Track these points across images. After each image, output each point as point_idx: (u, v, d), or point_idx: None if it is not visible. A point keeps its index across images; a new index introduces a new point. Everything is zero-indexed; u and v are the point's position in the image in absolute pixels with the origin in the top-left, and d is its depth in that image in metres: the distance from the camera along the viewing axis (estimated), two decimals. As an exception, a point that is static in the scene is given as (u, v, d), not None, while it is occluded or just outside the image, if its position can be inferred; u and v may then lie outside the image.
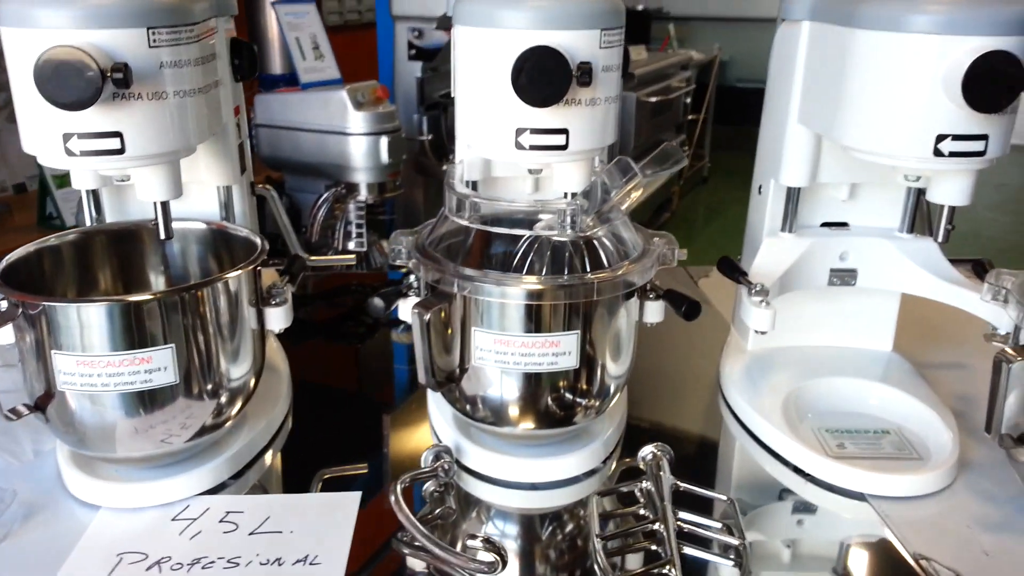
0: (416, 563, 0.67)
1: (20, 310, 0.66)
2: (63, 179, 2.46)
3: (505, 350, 0.71)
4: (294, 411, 0.90)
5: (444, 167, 2.76)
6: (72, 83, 0.59)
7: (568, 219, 0.72)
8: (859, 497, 0.76)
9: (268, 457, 0.82)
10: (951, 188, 0.72)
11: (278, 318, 0.77)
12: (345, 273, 1.50)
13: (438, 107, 2.62)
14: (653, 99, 3.49)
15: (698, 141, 4.81)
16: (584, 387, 0.75)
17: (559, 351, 0.71)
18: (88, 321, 0.65)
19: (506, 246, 0.80)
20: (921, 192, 0.86)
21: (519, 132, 0.68)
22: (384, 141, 2.13)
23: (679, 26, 5.13)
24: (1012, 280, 0.73)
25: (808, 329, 0.95)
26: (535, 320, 0.70)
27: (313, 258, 0.95)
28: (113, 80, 0.60)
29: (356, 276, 1.59)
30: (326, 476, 0.79)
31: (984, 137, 0.66)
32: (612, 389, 0.78)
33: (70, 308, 0.66)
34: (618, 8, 0.68)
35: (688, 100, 4.20)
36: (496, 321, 0.70)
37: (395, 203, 2.52)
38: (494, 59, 0.66)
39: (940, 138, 0.66)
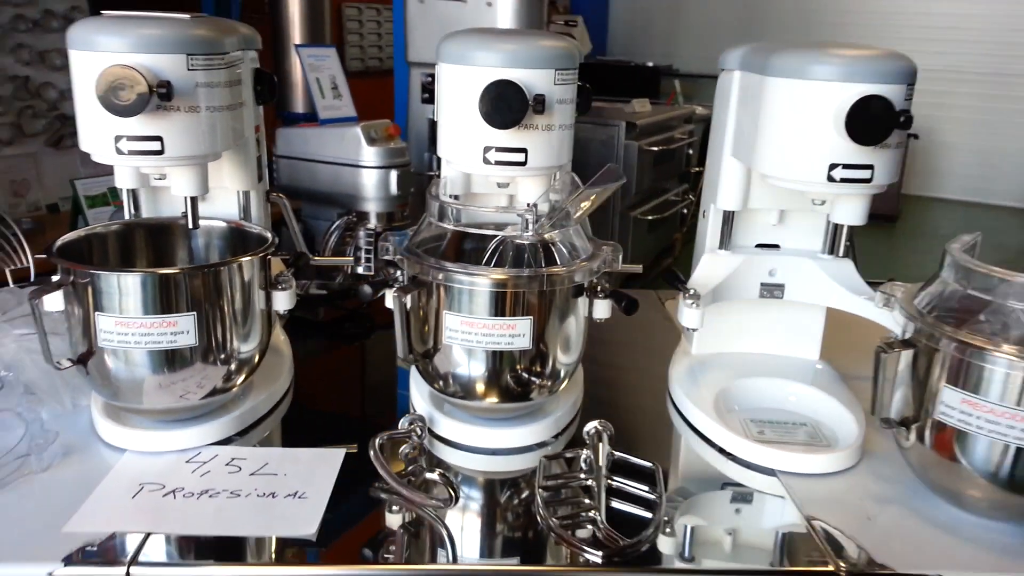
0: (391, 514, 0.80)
1: (71, 278, 0.81)
2: (94, 200, 2.64)
3: (470, 330, 0.85)
4: (295, 391, 1.04)
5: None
6: (122, 93, 0.74)
7: (529, 225, 0.87)
8: (770, 473, 0.88)
9: (269, 422, 0.96)
10: (847, 210, 0.87)
11: (283, 300, 0.92)
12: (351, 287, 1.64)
13: (447, 146, 2.81)
14: (655, 148, 3.66)
15: (701, 193, 4.97)
16: (537, 368, 0.88)
17: (515, 333, 0.84)
18: (126, 288, 0.80)
19: (476, 245, 0.94)
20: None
21: (486, 150, 0.83)
22: (394, 174, 2.29)
23: (686, 83, 5.35)
24: (900, 290, 0.86)
25: (745, 337, 1.08)
26: (495, 305, 0.84)
27: (316, 258, 1.09)
28: (157, 94, 0.75)
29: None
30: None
31: (870, 167, 0.81)
32: (562, 373, 0.91)
33: (112, 276, 0.81)
34: (571, 53, 0.84)
35: (691, 151, 4.37)
36: (464, 306, 0.84)
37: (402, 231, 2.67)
38: (467, 90, 0.82)
39: (832, 166, 0.81)
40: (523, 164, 0.83)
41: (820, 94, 0.80)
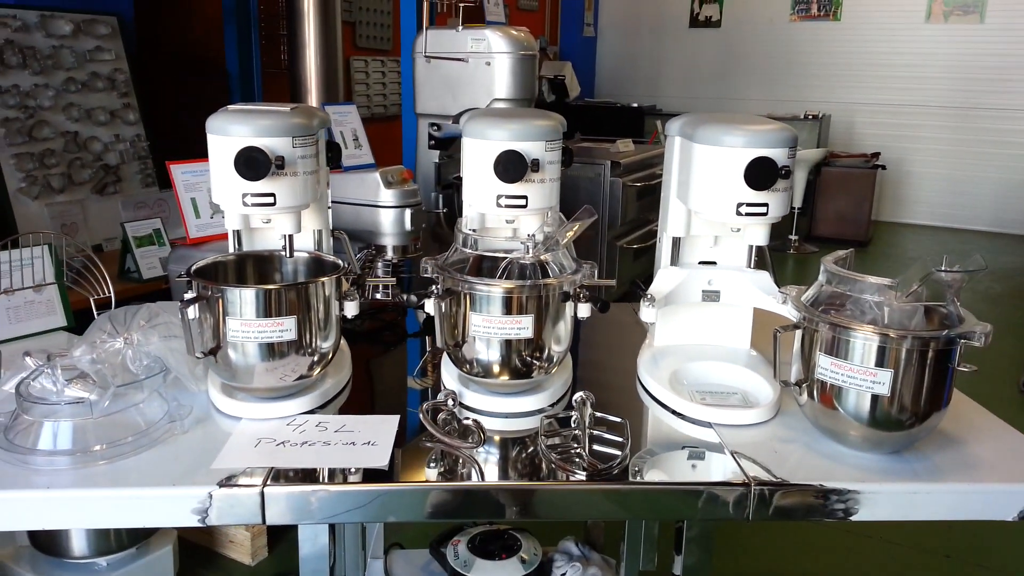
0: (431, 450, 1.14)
1: (208, 292, 1.15)
2: (141, 240, 2.99)
3: (488, 325, 1.19)
4: (353, 379, 1.38)
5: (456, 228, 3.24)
6: (254, 166, 1.09)
7: (530, 250, 1.21)
8: (707, 425, 1.22)
9: (340, 399, 1.29)
10: (754, 234, 1.22)
11: (351, 308, 1.26)
12: (383, 302, 2.00)
13: (451, 187, 3.17)
14: (638, 184, 4.04)
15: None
16: (537, 353, 1.22)
17: (521, 327, 1.19)
18: (246, 299, 1.14)
19: (491, 264, 1.29)
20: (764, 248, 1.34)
21: (498, 197, 1.18)
22: (408, 213, 2.65)
23: (667, 122, 5.74)
24: (795, 291, 1.20)
25: (694, 331, 1.42)
26: (507, 307, 1.18)
27: (370, 278, 1.44)
28: (275, 165, 1.10)
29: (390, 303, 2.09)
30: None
31: (765, 204, 1.16)
32: (556, 358, 1.25)
33: (236, 291, 1.14)
34: (556, 128, 1.19)
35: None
36: (484, 308, 1.18)
37: (413, 262, 3.03)
38: (485, 157, 1.17)
39: (739, 204, 1.16)
40: (524, 207, 1.18)
41: (729, 156, 1.16)
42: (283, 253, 1.26)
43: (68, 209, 3.33)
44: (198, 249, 2.28)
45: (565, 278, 1.21)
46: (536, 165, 1.14)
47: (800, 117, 6.59)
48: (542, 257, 1.23)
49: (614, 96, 7.38)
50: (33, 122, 3.22)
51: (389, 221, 2.67)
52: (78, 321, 1.94)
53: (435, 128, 3.15)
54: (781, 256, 6.19)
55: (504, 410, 1.25)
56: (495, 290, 1.17)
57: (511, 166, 1.14)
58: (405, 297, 1.23)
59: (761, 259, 1.35)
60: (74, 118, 3.36)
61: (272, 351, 1.17)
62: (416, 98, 3.19)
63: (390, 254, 2.73)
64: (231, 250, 1.32)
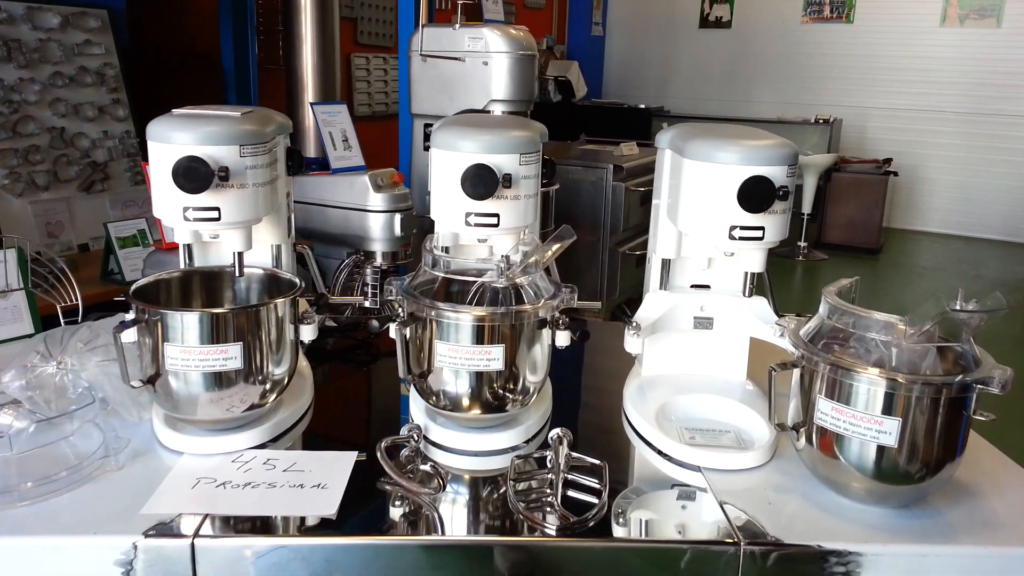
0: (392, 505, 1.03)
1: (146, 315, 1.04)
2: (125, 240, 2.89)
3: (455, 355, 1.08)
4: (315, 406, 1.27)
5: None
6: (194, 178, 0.99)
7: (503, 272, 1.10)
8: (696, 469, 1.11)
9: (295, 431, 1.18)
10: (748, 259, 1.10)
11: (308, 332, 1.15)
12: (358, 319, 1.88)
13: (446, 190, 3.07)
14: (641, 189, 3.92)
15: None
16: (510, 386, 1.11)
17: (491, 357, 1.08)
18: (187, 324, 1.03)
19: (461, 289, 1.18)
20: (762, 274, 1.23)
21: (467, 215, 1.07)
22: (398, 218, 2.53)
23: (674, 123, 5.61)
24: (793, 323, 1.09)
25: (683, 361, 1.31)
26: (476, 336, 1.07)
27: (334, 297, 1.33)
28: (219, 177, 1.00)
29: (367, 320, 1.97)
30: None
31: (761, 228, 1.04)
32: (531, 389, 1.14)
33: (177, 315, 1.04)
34: (534, 139, 1.08)
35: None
36: (451, 336, 1.08)
37: (404, 269, 2.92)
38: (452, 170, 1.06)
39: (732, 228, 1.05)
40: (496, 226, 1.07)
41: (722, 174, 1.04)
42: (234, 269, 1.16)
43: (53, 207, 3.24)
44: (175, 254, 2.18)
45: (541, 304, 1.10)
46: (508, 180, 1.03)
47: (811, 121, 6.44)
48: (517, 280, 1.12)
49: (621, 97, 7.25)
50: (18, 117, 3.13)
51: (378, 226, 2.55)
52: (47, 328, 1.84)
53: (429, 129, 3.04)
54: (789, 263, 6.06)
55: (474, 447, 1.14)
56: (463, 317, 1.06)
57: (479, 181, 1.03)
58: (367, 322, 1.12)
59: (758, 285, 1.24)
60: (61, 113, 3.26)
61: (217, 380, 1.06)
62: (412, 97, 3.09)
63: (379, 260, 2.62)
64: (181, 265, 1.22)
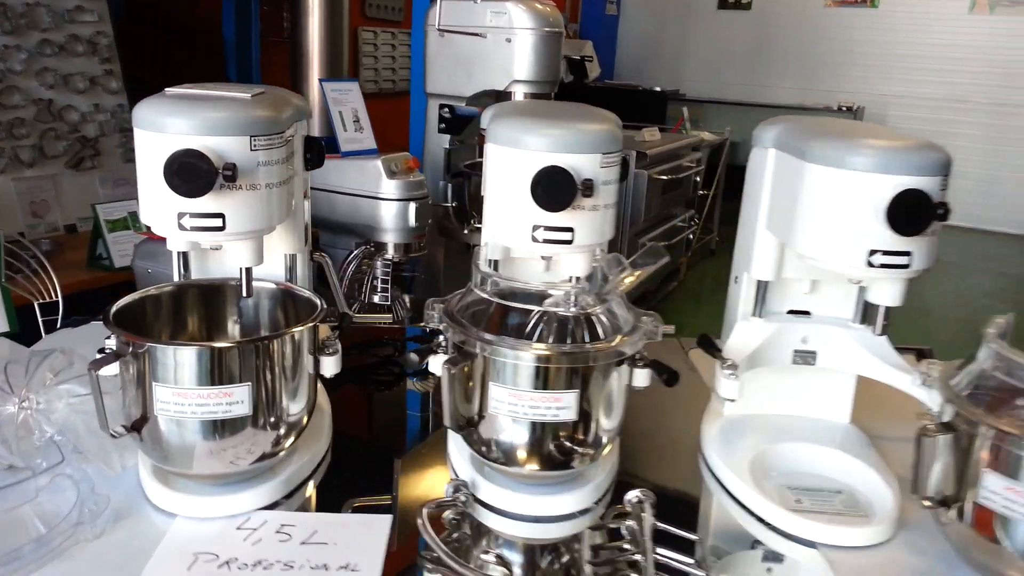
0: None
1: (130, 348, 0.83)
2: (115, 223, 2.67)
3: (517, 402, 0.86)
4: (334, 446, 1.06)
5: (465, 231, 2.95)
6: (193, 177, 0.77)
7: (573, 299, 0.89)
8: (811, 545, 0.90)
9: (312, 483, 0.97)
10: (885, 292, 0.89)
11: (330, 365, 0.94)
12: (377, 327, 1.67)
13: (462, 175, 2.83)
14: (664, 177, 3.70)
15: (707, 216, 5.02)
16: (581, 437, 0.90)
17: (561, 406, 0.86)
18: (183, 360, 0.82)
19: (521, 317, 0.96)
20: (871, 289, 1.02)
21: (534, 228, 0.85)
22: (412, 207, 2.32)
23: (693, 108, 5.39)
24: (938, 369, 0.88)
25: (776, 400, 1.10)
26: (543, 379, 0.86)
27: (358, 317, 1.12)
28: (223, 176, 0.78)
29: (386, 331, 1.76)
30: (355, 504, 0.95)
31: (908, 253, 0.83)
32: (604, 440, 0.93)
33: (169, 349, 0.82)
34: (616, 136, 0.86)
35: (698, 178, 4.41)
36: (510, 378, 0.86)
37: (418, 262, 2.70)
38: (517, 173, 0.84)
39: (872, 252, 0.83)
40: (570, 243, 0.86)
41: (859, 184, 0.83)
42: (240, 285, 0.94)
43: (39, 185, 3.01)
44: (168, 245, 1.96)
45: (622, 341, 0.89)
46: (589, 188, 0.81)
47: (833, 108, 6.19)
48: (589, 310, 0.90)
49: (635, 79, 6.99)
50: (2, 87, 2.89)
51: (391, 215, 2.34)
52: (26, 325, 1.62)
53: (447, 110, 2.81)
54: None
55: (534, 511, 0.92)
56: (526, 355, 0.85)
57: (555, 189, 0.81)
58: (404, 355, 0.91)
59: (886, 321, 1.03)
60: (48, 84, 3.02)
61: (220, 428, 0.85)
62: (427, 76, 2.85)
63: (391, 252, 2.40)
64: (175, 277, 1.00)
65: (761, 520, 0.94)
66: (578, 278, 0.90)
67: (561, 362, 0.85)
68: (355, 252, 2.39)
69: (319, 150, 1.00)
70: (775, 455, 1.03)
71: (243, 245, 0.87)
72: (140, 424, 0.86)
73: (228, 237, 0.83)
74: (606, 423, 0.92)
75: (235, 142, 0.80)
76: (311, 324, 0.90)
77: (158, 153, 0.79)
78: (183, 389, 0.82)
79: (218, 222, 0.81)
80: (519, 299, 0.95)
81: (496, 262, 0.98)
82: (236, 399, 0.83)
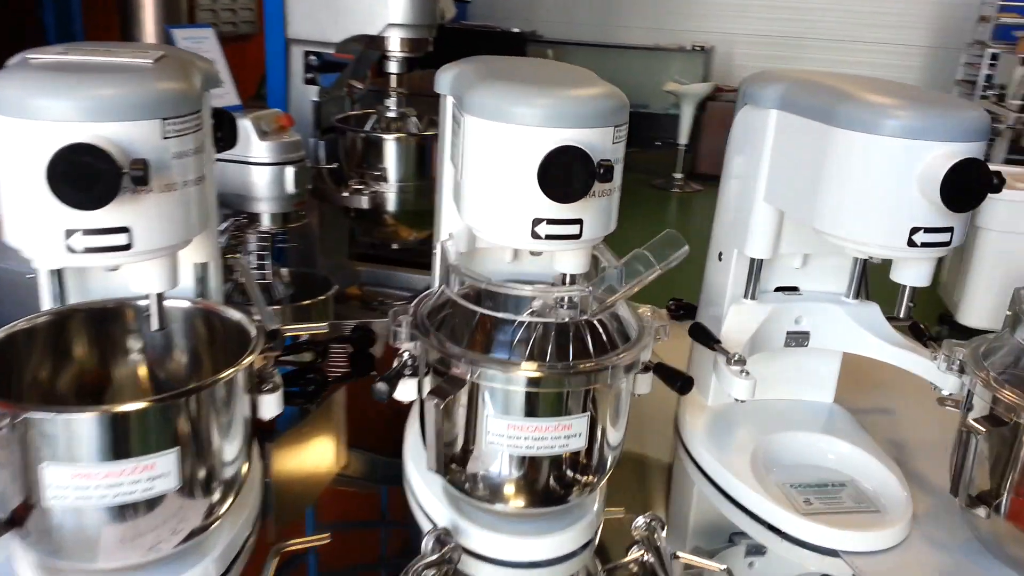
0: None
1: (6, 419, 0.60)
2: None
3: (518, 435, 0.71)
4: (262, 506, 0.86)
5: (345, 194, 2.67)
6: (89, 182, 0.54)
7: (573, 303, 0.74)
8: (832, 553, 0.82)
9: (246, 551, 0.78)
10: (916, 272, 0.80)
11: (271, 406, 0.74)
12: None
13: (335, 131, 2.57)
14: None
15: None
16: (585, 463, 0.76)
17: (571, 433, 0.72)
18: (83, 432, 0.60)
19: (507, 325, 0.80)
20: (867, 261, 0.94)
21: (535, 223, 0.69)
22: (290, 171, 2.05)
23: (556, 49, 5.26)
24: (963, 351, 0.81)
25: (761, 384, 1.01)
26: (550, 405, 0.71)
27: (288, 329, 0.91)
28: (132, 178, 0.56)
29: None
30: (285, 549, 0.78)
31: (950, 230, 0.74)
32: (610, 462, 0.80)
33: (59, 419, 0.60)
34: (626, 103, 0.71)
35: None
36: (512, 407, 0.71)
37: (295, 234, 2.43)
38: (512, 154, 0.67)
39: (914, 230, 0.73)
40: (578, 237, 0.70)
41: (899, 152, 0.72)
42: (145, 313, 0.72)
43: None
44: None
45: (632, 348, 0.75)
46: (609, 172, 0.65)
47: (687, 48, 6.26)
48: (593, 317, 0.76)
49: (489, 19, 6.74)
50: None
51: (264, 182, 2.05)
52: None
53: (313, 58, 2.51)
54: (665, 195, 5.96)
55: (532, 555, 0.78)
56: (524, 377, 0.70)
57: (571, 173, 0.64)
58: (373, 386, 0.72)
59: (866, 283, 0.95)
60: None
61: (138, 510, 0.64)
62: (286, 18, 2.53)
63: (266, 223, 2.13)
64: (46, 304, 0.76)
65: (771, 527, 0.84)
66: (572, 277, 0.75)
67: (574, 384, 0.70)
68: (226, 225, 2.10)
69: (231, 125, 0.78)
70: (771, 448, 0.94)
71: (153, 265, 0.65)
72: (21, 515, 0.63)
73: (135, 257, 0.61)
74: (614, 439, 0.78)
75: (143, 128, 0.57)
76: (249, 359, 0.69)
77: (32, 150, 0.55)
78: (86, 468, 0.60)
79: (122, 239, 0.59)
80: (498, 301, 0.79)
81: (462, 253, 0.81)
82: (160, 472, 0.63)
